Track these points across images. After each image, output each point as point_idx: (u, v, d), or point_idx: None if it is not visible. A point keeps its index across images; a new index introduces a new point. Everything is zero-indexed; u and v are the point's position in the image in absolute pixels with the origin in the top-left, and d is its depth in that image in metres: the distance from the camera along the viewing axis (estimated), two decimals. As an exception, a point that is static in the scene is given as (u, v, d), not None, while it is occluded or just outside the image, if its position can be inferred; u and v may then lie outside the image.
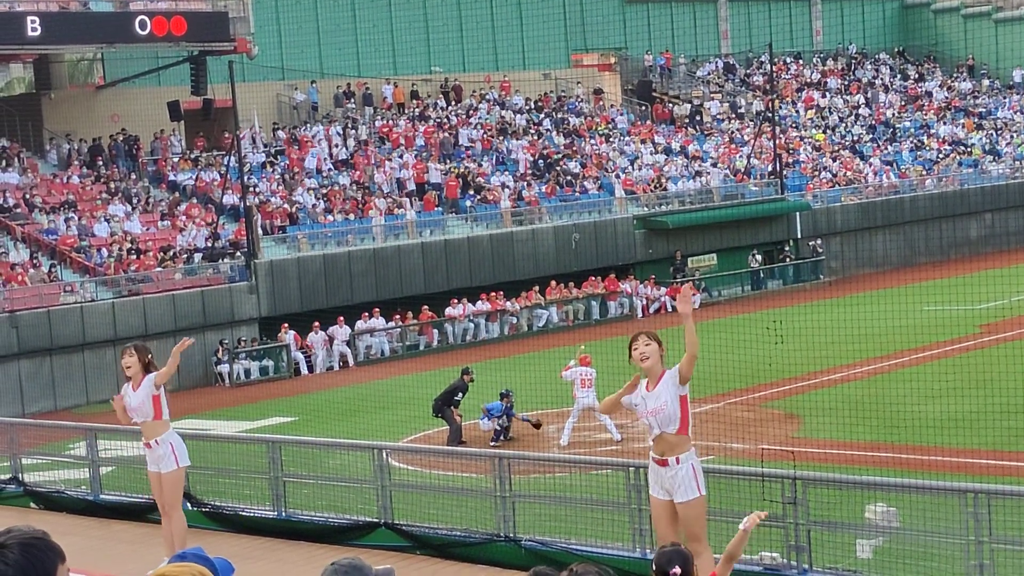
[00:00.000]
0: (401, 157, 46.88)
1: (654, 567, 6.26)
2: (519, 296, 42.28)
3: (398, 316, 39.97)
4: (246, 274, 38.03)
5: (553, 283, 43.22)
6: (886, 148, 59.55)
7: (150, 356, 13.01)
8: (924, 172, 57.32)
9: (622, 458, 15.72)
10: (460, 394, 24.76)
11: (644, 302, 44.64)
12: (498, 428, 24.38)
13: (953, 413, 22.71)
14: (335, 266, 39.67)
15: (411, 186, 45.45)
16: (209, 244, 39.70)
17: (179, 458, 13.04)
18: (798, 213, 50.49)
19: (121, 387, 13.13)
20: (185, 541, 12.65)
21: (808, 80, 64.80)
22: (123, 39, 40.47)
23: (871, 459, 19.46)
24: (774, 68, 57.92)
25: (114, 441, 17.63)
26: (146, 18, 40.02)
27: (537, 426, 24.61)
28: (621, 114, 57.15)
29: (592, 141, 53.17)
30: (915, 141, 60.86)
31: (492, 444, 23.59)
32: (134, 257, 37.77)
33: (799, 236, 50.43)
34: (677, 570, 6.15)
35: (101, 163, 43.21)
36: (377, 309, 39.39)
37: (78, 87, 47.67)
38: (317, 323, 37.79)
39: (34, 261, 36.56)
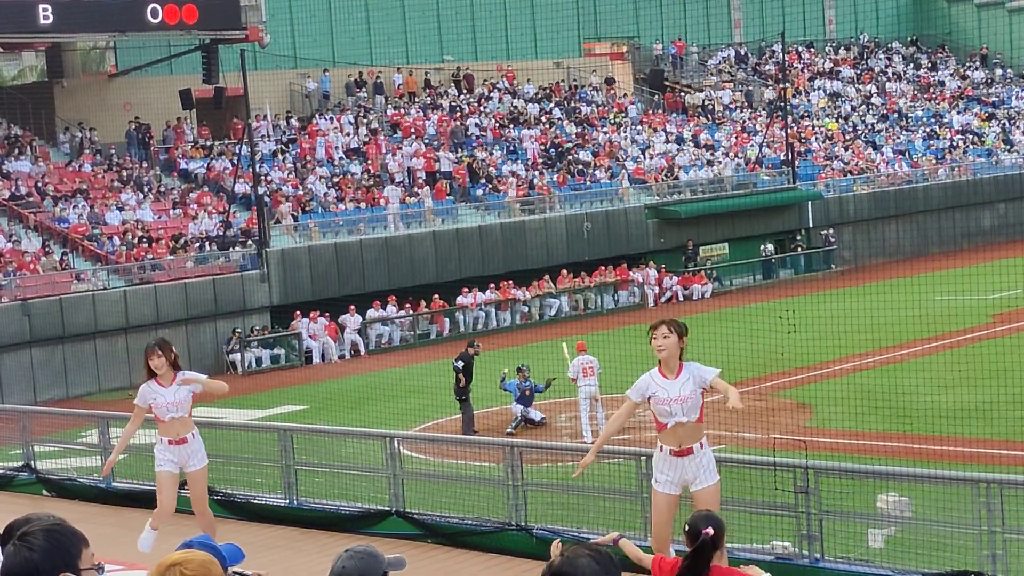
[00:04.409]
0: (412, 146, 46.85)
1: (687, 527, 6.29)
2: (530, 285, 42.26)
3: (409, 305, 39.99)
4: (258, 262, 38.08)
5: (564, 272, 43.17)
6: (899, 137, 59.38)
7: (175, 352, 12.53)
8: (937, 161, 57.17)
9: (633, 447, 15.70)
10: (460, 362, 24.46)
11: (656, 291, 44.57)
12: (518, 416, 24.32)
13: (965, 403, 22.68)
14: (347, 255, 39.69)
15: (422, 175, 45.46)
16: (221, 232, 39.74)
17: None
18: (810, 202, 50.38)
19: (133, 379, 12.77)
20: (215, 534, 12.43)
21: (820, 69, 64.61)
22: (135, 27, 40.45)
23: (883, 449, 19.40)
24: (786, 57, 57.75)
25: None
26: (158, 6, 40.00)
27: (548, 384, 24.69)
28: (633, 103, 57.03)
29: (604, 130, 53.07)
30: (928, 130, 60.68)
31: (508, 432, 23.59)
32: (146, 245, 37.81)
33: (811, 225, 50.33)
34: (710, 530, 6.18)
35: (113, 151, 43.24)
36: (389, 298, 39.43)
37: (90, 75, 47.69)
38: (316, 312, 37.75)
39: (46, 249, 36.62)
